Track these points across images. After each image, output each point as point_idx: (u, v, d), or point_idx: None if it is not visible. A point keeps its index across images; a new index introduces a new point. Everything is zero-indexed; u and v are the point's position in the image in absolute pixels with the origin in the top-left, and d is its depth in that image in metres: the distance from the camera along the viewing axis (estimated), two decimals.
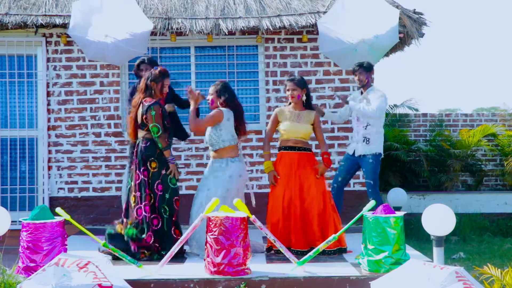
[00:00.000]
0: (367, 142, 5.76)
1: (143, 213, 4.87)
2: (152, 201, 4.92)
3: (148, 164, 4.91)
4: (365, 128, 5.77)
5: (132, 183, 4.98)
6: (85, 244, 5.46)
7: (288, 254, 4.44)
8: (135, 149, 5.02)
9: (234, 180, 5.04)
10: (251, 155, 7.11)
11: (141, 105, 4.95)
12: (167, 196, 4.93)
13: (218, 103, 5.13)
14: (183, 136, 5.90)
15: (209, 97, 5.20)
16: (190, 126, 5.10)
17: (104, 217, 6.97)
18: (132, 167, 5.07)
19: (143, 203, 4.88)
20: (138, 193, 4.91)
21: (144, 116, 4.90)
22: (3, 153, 7.13)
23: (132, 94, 5.81)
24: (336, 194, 5.76)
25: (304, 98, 5.32)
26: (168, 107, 5.40)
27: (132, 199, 4.97)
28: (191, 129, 5.15)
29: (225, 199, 4.86)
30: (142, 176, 4.91)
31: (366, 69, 5.76)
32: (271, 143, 5.51)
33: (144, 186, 4.90)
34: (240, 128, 5.22)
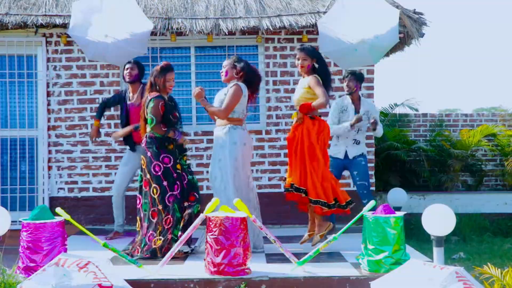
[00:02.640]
0: (357, 143, 6.00)
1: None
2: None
3: (166, 148, 5.01)
4: (357, 133, 6.00)
5: (148, 176, 4.98)
6: (85, 244, 5.46)
7: (288, 254, 4.44)
8: (144, 144, 5.07)
9: (239, 147, 5.07)
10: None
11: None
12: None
13: (234, 73, 5.17)
14: None
15: (223, 70, 5.23)
16: (220, 116, 5.09)
17: (104, 217, 6.97)
18: (142, 164, 5.11)
19: (172, 192, 4.96)
20: (164, 182, 4.93)
21: (146, 109, 5.00)
22: (3, 153, 7.13)
23: (114, 98, 6.19)
24: None
25: (317, 66, 5.26)
26: None
27: (153, 191, 4.96)
28: (222, 118, 5.11)
29: (237, 170, 4.99)
30: (163, 165, 4.96)
31: (358, 77, 5.88)
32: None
33: (169, 174, 4.96)
34: (252, 95, 5.28)
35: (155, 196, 4.95)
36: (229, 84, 5.19)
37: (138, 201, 5.12)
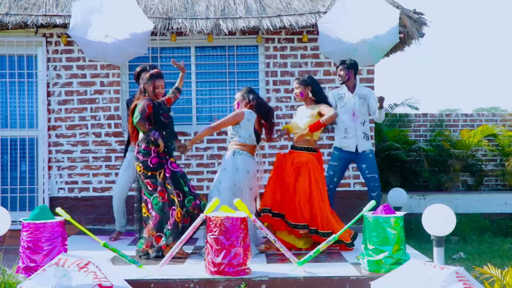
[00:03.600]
0: (367, 138, 5.98)
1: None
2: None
3: (155, 147, 4.98)
4: (363, 125, 5.97)
5: (150, 173, 4.96)
6: (85, 244, 5.47)
7: (288, 254, 4.44)
8: (136, 151, 5.05)
9: (241, 174, 5.06)
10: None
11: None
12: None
13: (243, 105, 5.28)
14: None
15: (234, 102, 5.38)
16: (206, 130, 5.27)
17: (104, 217, 6.98)
18: (139, 172, 5.07)
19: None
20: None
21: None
22: (3, 153, 7.13)
23: (128, 103, 6.00)
24: (330, 196, 5.74)
25: (310, 94, 5.38)
26: None
27: (161, 176, 4.96)
28: (208, 132, 5.31)
29: (235, 195, 4.92)
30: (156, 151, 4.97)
31: (349, 66, 5.91)
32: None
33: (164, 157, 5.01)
34: (268, 128, 5.38)
35: (160, 179, 4.95)
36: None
37: (145, 208, 5.08)
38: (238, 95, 5.36)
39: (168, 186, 4.93)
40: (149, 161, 4.94)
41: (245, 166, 5.11)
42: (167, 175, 4.92)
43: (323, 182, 5.35)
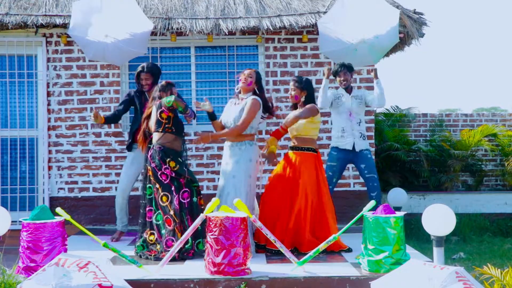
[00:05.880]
0: (364, 138, 6.01)
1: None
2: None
3: (168, 164, 4.98)
4: (359, 124, 6.00)
5: (158, 186, 4.99)
6: (85, 244, 5.47)
7: (288, 254, 4.44)
8: (149, 154, 5.07)
9: (253, 164, 5.12)
10: None
11: (153, 107, 5.14)
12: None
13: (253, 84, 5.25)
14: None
15: (248, 79, 5.19)
16: (240, 132, 5.10)
17: (104, 217, 6.98)
18: (148, 174, 5.09)
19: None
20: (172, 188, 4.96)
21: (160, 110, 5.03)
22: (3, 153, 7.13)
23: (129, 95, 6.03)
24: None
25: (303, 99, 5.36)
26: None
27: (164, 199, 4.97)
28: (240, 133, 5.11)
29: (250, 187, 5.05)
30: (169, 173, 4.97)
31: (350, 69, 6.00)
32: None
33: (176, 179, 4.99)
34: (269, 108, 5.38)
35: (166, 204, 4.95)
36: (244, 96, 5.23)
37: (150, 214, 5.08)
38: (252, 73, 5.20)
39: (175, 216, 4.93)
40: (159, 174, 4.98)
41: (256, 156, 5.17)
42: (176, 205, 4.93)
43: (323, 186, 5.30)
